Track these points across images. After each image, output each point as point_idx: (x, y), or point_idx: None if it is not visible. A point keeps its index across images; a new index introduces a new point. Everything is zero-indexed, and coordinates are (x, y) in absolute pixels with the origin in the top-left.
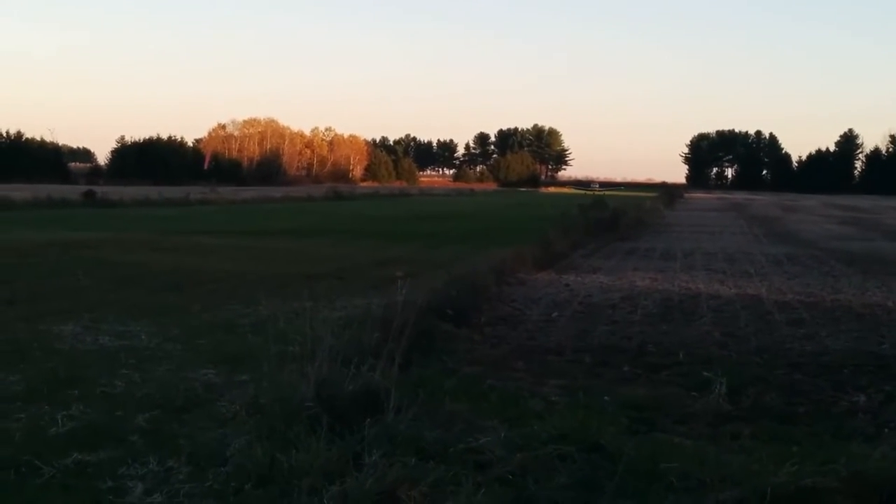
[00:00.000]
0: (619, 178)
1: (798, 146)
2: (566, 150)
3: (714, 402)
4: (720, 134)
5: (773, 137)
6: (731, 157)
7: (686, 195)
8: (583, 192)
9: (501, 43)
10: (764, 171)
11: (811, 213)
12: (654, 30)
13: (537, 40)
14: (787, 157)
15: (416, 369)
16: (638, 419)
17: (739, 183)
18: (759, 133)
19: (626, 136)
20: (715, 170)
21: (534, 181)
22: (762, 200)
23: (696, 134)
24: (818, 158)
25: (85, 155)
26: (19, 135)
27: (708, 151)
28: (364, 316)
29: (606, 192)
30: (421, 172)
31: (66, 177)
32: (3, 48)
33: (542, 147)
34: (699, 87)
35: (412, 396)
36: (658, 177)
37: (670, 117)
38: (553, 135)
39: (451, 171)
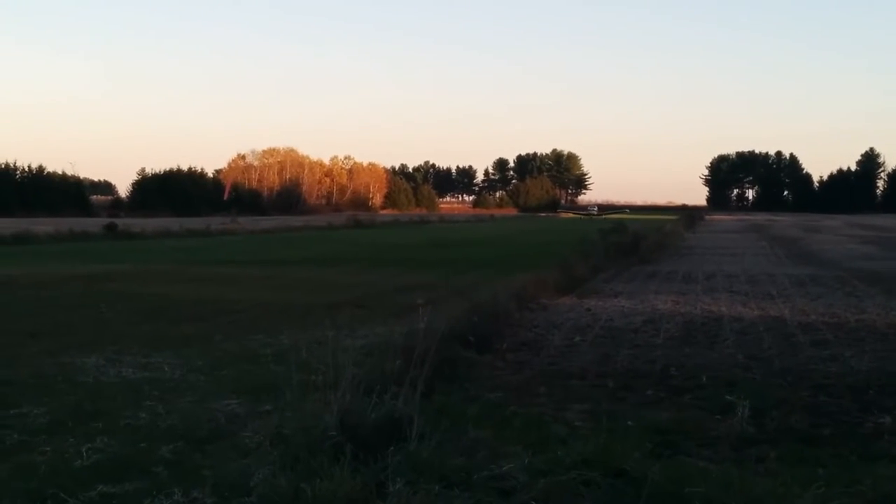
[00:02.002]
0: (639, 202)
1: (819, 166)
2: (586, 175)
3: (738, 425)
4: (740, 155)
5: (793, 158)
6: (751, 178)
7: (707, 217)
8: (582, 216)
9: (519, 68)
10: (785, 192)
11: (833, 233)
12: (672, 52)
13: (555, 65)
14: (808, 177)
15: (438, 396)
16: (662, 443)
17: (760, 204)
18: (779, 154)
19: (646, 159)
20: (735, 191)
21: (554, 206)
22: (784, 221)
23: (716, 156)
24: (839, 178)
25: (106, 187)
26: (41, 168)
27: (728, 173)
28: (386, 344)
29: (606, 216)
30: (440, 199)
31: (87, 209)
32: (22, 83)
33: (562, 172)
34: (718, 108)
35: (435, 424)
36: (678, 199)
37: (690, 139)
38: (572, 159)
39: (471, 198)
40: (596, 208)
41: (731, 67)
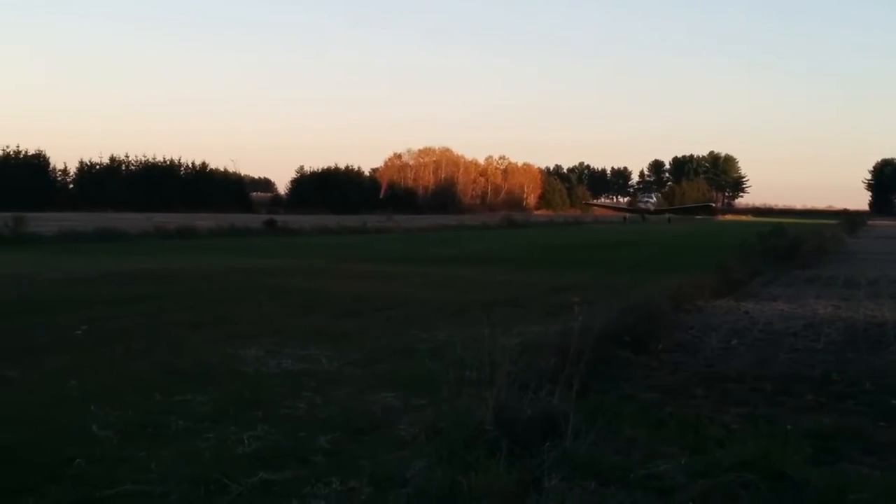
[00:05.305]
0: (798, 206)
1: None
2: (743, 177)
3: None
4: None
5: None
6: None
7: (869, 222)
8: (626, 217)
9: (677, 69)
10: None
11: None
12: (834, 55)
13: (714, 67)
14: None
15: (593, 395)
16: (823, 449)
17: None
18: None
19: (806, 162)
20: None
21: (709, 209)
22: None
23: (879, 159)
24: None
25: (266, 185)
26: (204, 165)
27: (892, 177)
28: (540, 342)
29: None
30: (595, 200)
31: (247, 206)
32: (187, 80)
33: (718, 174)
34: (883, 111)
35: (590, 422)
36: (839, 204)
37: (852, 143)
38: (729, 161)
39: (626, 199)
40: (651, 203)
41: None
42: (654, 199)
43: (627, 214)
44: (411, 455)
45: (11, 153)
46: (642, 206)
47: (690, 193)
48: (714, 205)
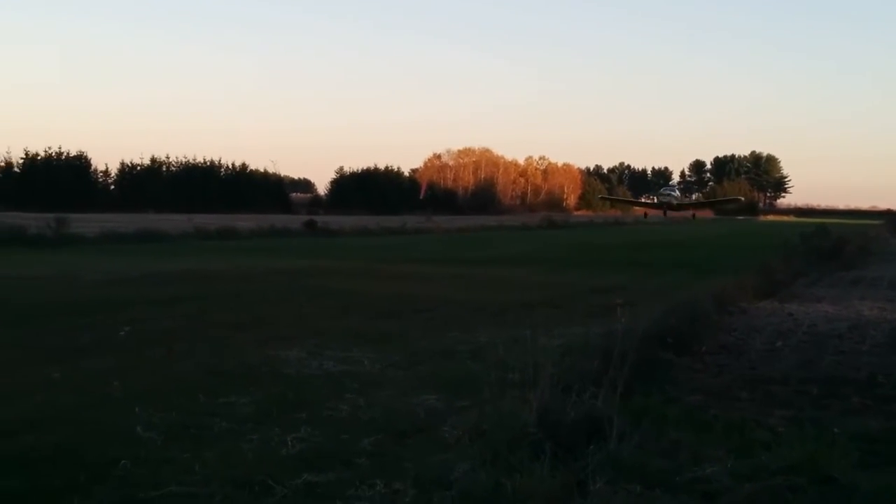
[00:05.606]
0: (840, 206)
1: None
2: (785, 177)
3: None
4: None
5: None
6: None
7: None
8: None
9: (717, 69)
10: None
11: None
12: (878, 56)
13: (754, 67)
14: None
15: (637, 397)
16: (870, 452)
17: None
18: None
19: (849, 162)
20: None
21: (751, 209)
22: None
23: None
24: None
25: (305, 185)
26: (244, 166)
27: None
28: (582, 344)
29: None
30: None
31: (287, 207)
32: (227, 81)
33: (760, 174)
34: None
35: (634, 424)
36: (883, 204)
37: None
38: (771, 161)
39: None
40: (673, 196)
41: None
42: (677, 192)
43: (648, 210)
44: (455, 457)
45: (54, 154)
46: (664, 199)
47: (732, 193)
48: (742, 199)
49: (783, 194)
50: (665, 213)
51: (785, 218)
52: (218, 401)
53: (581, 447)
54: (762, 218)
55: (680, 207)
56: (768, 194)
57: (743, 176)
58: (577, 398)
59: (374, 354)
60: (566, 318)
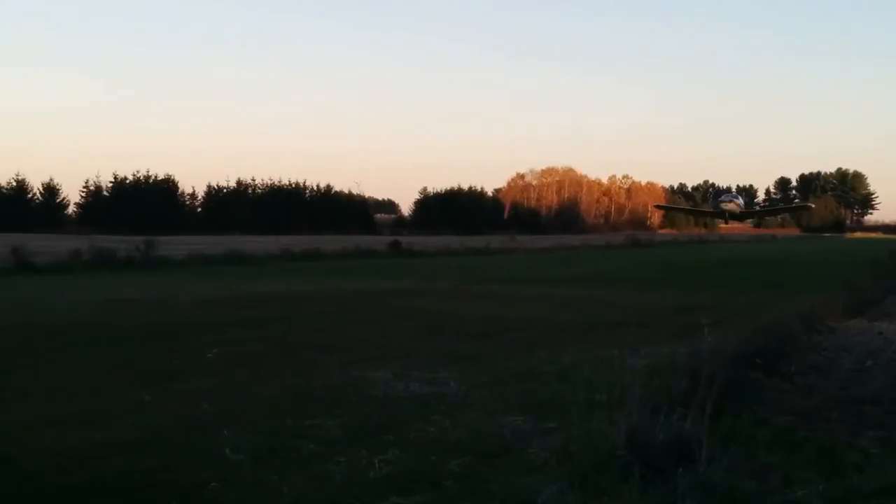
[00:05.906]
0: None
1: None
2: (872, 194)
3: None
4: None
5: None
6: None
7: None
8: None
9: (803, 85)
10: None
11: None
12: None
13: (843, 81)
14: None
15: (726, 419)
16: None
17: None
18: None
19: None
20: None
21: (838, 226)
22: None
23: None
24: None
25: (389, 206)
26: (329, 188)
27: None
28: (669, 364)
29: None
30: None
31: (372, 228)
32: (311, 103)
33: (847, 191)
34: None
35: (724, 446)
36: None
37: None
38: (858, 178)
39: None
40: (735, 203)
41: None
42: (739, 198)
43: (706, 220)
44: (543, 479)
45: (142, 178)
46: (724, 207)
47: (818, 211)
48: (812, 206)
49: (870, 211)
50: (726, 223)
51: (872, 235)
52: (305, 423)
53: (670, 470)
54: (849, 235)
55: (744, 216)
56: (855, 211)
57: (829, 193)
58: (665, 419)
59: (459, 375)
60: (652, 338)
